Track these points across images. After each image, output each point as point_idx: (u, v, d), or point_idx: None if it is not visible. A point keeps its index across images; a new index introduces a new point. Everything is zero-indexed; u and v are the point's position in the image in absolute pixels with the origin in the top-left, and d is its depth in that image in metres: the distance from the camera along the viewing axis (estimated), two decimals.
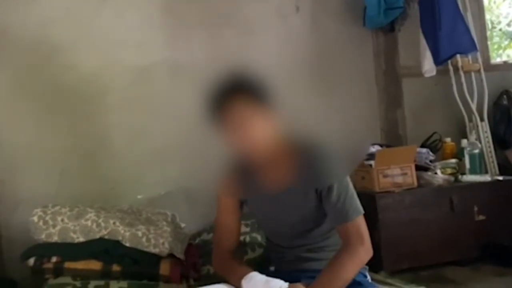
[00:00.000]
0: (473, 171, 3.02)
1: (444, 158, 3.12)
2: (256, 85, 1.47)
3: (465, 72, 3.37)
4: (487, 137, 3.32)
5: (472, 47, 3.19)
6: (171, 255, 2.19)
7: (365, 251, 1.48)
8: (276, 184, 1.55)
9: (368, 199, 2.56)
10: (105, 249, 2.12)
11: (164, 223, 2.28)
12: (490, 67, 3.57)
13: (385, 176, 2.74)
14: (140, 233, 2.16)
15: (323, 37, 3.24)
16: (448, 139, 3.20)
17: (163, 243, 2.16)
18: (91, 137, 2.75)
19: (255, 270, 1.55)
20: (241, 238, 2.25)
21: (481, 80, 3.40)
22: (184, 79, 2.87)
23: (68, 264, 2.09)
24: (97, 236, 2.14)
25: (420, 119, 3.39)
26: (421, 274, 2.66)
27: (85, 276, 2.06)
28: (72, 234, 2.14)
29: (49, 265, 2.09)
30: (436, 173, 2.90)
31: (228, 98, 1.44)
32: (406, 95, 3.40)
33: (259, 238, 2.46)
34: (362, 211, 1.52)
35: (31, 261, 2.10)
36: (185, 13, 2.96)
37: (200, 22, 2.97)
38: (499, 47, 4.73)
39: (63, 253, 2.10)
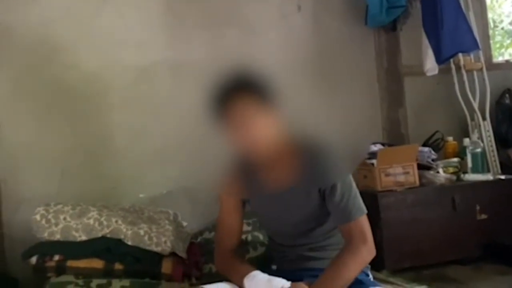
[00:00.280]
0: (475, 170, 3.01)
1: (446, 157, 3.11)
2: (259, 84, 1.48)
3: (467, 71, 3.37)
4: (489, 136, 3.31)
5: (474, 46, 3.18)
6: (173, 254, 2.19)
7: (368, 251, 1.48)
8: (279, 183, 1.55)
9: (370, 198, 2.55)
10: (107, 247, 2.12)
11: (166, 221, 2.28)
12: (492, 66, 3.57)
13: (387, 175, 2.74)
14: (142, 232, 2.16)
15: (324, 36, 3.24)
16: (450, 138, 3.19)
17: (165, 242, 2.16)
18: (92, 137, 2.76)
19: (257, 269, 1.55)
20: (243, 236, 2.25)
21: (483, 79, 3.40)
22: (185, 79, 2.87)
23: (71, 263, 2.09)
24: (99, 235, 2.15)
25: (422, 118, 3.39)
26: (423, 273, 2.66)
27: (87, 274, 2.06)
28: (74, 233, 2.14)
29: (51, 264, 2.09)
30: (438, 172, 2.89)
31: (231, 97, 1.44)
32: (408, 94, 3.40)
33: (260, 237, 2.46)
34: (365, 211, 1.52)
35: (34, 259, 2.11)
36: (186, 13, 2.96)
37: (201, 22, 2.97)
38: (501, 46, 4.74)
39: (65, 251, 2.10)
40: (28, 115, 2.66)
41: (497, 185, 2.96)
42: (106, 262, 2.11)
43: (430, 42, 3.16)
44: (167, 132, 2.83)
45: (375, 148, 2.88)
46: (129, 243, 2.14)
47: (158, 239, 2.17)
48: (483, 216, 2.82)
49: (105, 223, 2.17)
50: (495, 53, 4.09)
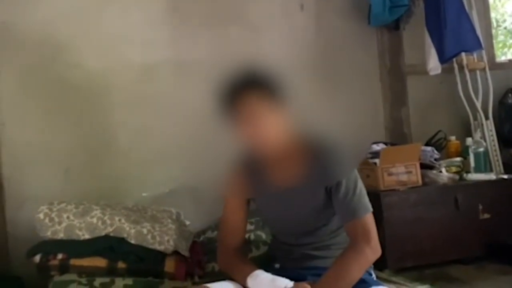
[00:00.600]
0: (478, 170, 3.01)
1: (449, 156, 3.11)
2: (269, 81, 1.49)
3: (470, 71, 3.36)
4: (492, 135, 3.31)
5: (478, 45, 3.18)
6: (176, 253, 2.20)
7: (372, 250, 1.47)
8: (285, 182, 1.56)
9: (373, 197, 2.48)
10: (110, 246, 2.12)
11: (169, 220, 2.29)
12: (495, 66, 3.56)
13: (390, 174, 2.74)
14: (145, 231, 2.17)
15: (327, 35, 3.24)
16: (453, 138, 3.19)
17: (168, 241, 2.17)
18: (96, 135, 2.76)
19: (260, 268, 1.55)
20: (246, 236, 2.25)
21: (486, 79, 3.39)
22: (189, 78, 2.88)
23: (74, 261, 2.09)
24: (103, 233, 2.15)
25: (425, 117, 3.39)
26: (425, 272, 2.66)
27: (90, 273, 2.06)
28: (77, 231, 2.15)
29: (55, 262, 2.09)
30: (440, 172, 2.89)
31: (241, 94, 1.45)
32: (411, 93, 3.39)
33: (263, 236, 2.46)
34: (371, 209, 1.52)
35: (37, 258, 2.11)
36: (190, 12, 2.96)
37: (205, 21, 2.97)
38: (504, 46, 4.73)
39: (68, 250, 2.11)
40: (32, 114, 2.67)
41: (499, 184, 2.96)
42: (109, 260, 2.11)
43: (433, 41, 3.16)
44: (171, 131, 2.83)
45: (377, 147, 2.88)
46: (132, 241, 2.14)
47: (161, 238, 2.17)
48: (486, 216, 2.81)
49: (108, 222, 2.17)
50: (498, 52, 4.08)
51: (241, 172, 1.63)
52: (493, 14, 3.97)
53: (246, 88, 1.46)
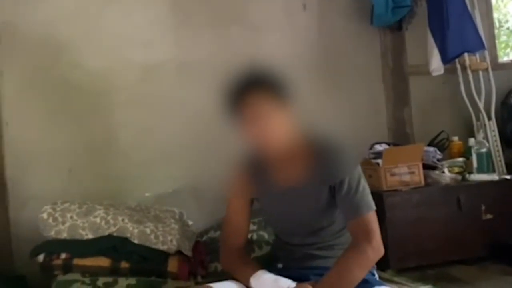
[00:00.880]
0: (480, 170, 3.00)
1: (452, 157, 3.11)
2: (273, 81, 1.49)
3: (472, 71, 3.36)
4: (494, 136, 3.30)
5: (480, 46, 3.18)
6: (179, 252, 2.20)
7: (373, 250, 1.46)
8: (289, 181, 1.56)
9: (376, 198, 2.47)
10: (113, 246, 2.13)
11: (172, 220, 2.29)
12: (497, 66, 3.56)
13: (393, 174, 2.74)
14: (148, 230, 2.17)
15: (330, 35, 3.24)
16: (455, 138, 3.19)
17: (171, 240, 2.18)
18: (98, 135, 2.77)
19: (262, 268, 1.56)
20: (248, 236, 2.25)
21: (489, 79, 3.38)
22: (191, 78, 2.88)
23: (77, 261, 2.10)
24: (106, 233, 2.16)
25: (427, 118, 3.38)
26: (428, 273, 2.66)
27: (94, 272, 2.07)
28: (81, 231, 2.15)
29: (58, 262, 2.10)
30: (443, 172, 2.89)
31: (246, 93, 1.46)
32: (414, 94, 3.39)
33: (266, 236, 2.46)
34: (374, 208, 1.52)
35: (41, 257, 2.12)
36: (192, 12, 2.97)
37: (207, 21, 2.98)
38: (507, 46, 4.73)
39: (72, 249, 2.12)
40: (35, 114, 2.67)
41: (502, 185, 2.95)
42: (113, 260, 2.12)
43: (435, 41, 3.15)
44: (173, 131, 2.84)
45: (380, 147, 2.88)
46: (136, 241, 2.15)
47: (164, 237, 2.18)
48: (489, 216, 2.81)
49: (111, 221, 2.18)
50: (500, 53, 4.08)
51: (245, 172, 1.63)
52: (495, 15, 3.98)
53: (251, 88, 1.46)
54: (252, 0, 3.08)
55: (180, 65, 2.90)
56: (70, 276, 2.05)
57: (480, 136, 3.22)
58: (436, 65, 3.17)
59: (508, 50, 4.72)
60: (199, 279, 2.22)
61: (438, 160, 2.96)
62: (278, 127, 1.46)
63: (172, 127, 2.84)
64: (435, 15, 3.16)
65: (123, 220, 2.19)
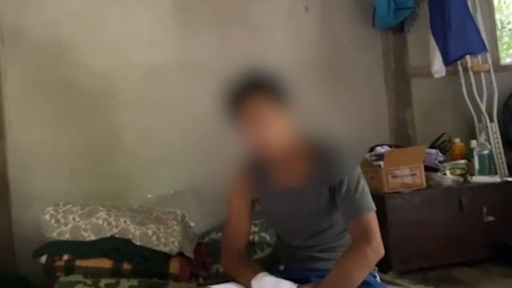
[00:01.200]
0: (482, 172, 3.01)
1: (453, 158, 3.11)
2: (273, 83, 1.50)
3: (474, 73, 3.36)
4: (496, 138, 3.30)
5: (482, 48, 3.18)
6: (180, 254, 2.21)
7: (373, 251, 1.46)
8: (289, 182, 1.56)
9: (377, 200, 2.49)
10: (115, 247, 2.13)
11: (174, 222, 2.29)
12: (499, 68, 3.56)
13: (394, 176, 2.74)
14: (150, 232, 2.18)
15: (332, 37, 3.24)
16: (457, 140, 3.19)
17: (173, 242, 2.18)
18: (101, 136, 2.78)
19: (264, 269, 1.56)
20: (250, 237, 2.25)
21: (491, 81, 3.39)
22: (193, 79, 2.89)
23: (79, 262, 2.10)
24: (108, 235, 2.16)
25: (429, 120, 3.39)
26: (430, 275, 2.66)
27: (96, 274, 2.07)
28: (83, 233, 2.16)
29: (60, 263, 2.11)
30: (445, 174, 2.89)
31: (246, 95, 1.46)
32: (415, 95, 3.40)
33: (267, 237, 2.47)
34: (374, 208, 1.52)
35: (43, 258, 2.12)
36: (195, 13, 2.97)
37: (210, 22, 2.98)
38: (509, 47, 4.71)
39: (74, 251, 2.12)
40: (38, 115, 2.68)
41: (504, 187, 2.95)
42: (115, 262, 2.12)
43: (437, 43, 3.16)
44: (175, 132, 2.85)
45: (382, 149, 2.88)
46: (138, 243, 2.15)
47: (166, 239, 2.18)
48: (490, 218, 2.81)
49: (113, 223, 2.18)
50: (502, 54, 4.07)
51: (246, 173, 1.64)
52: (497, 16, 3.97)
53: (251, 91, 1.47)
54: (254, 1, 3.09)
55: (183, 66, 2.91)
56: (72, 277, 2.06)
57: (482, 138, 3.22)
58: (438, 67, 3.17)
59: (510, 51, 4.70)
60: (201, 280, 2.22)
61: (440, 162, 2.96)
62: (278, 129, 1.47)
63: (174, 128, 2.85)
64: (437, 17, 3.16)
65: (125, 221, 2.20)
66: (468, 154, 3.12)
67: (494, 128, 3.32)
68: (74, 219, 2.18)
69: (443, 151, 3.10)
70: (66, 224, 2.16)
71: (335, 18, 3.26)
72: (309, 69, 3.12)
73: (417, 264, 2.70)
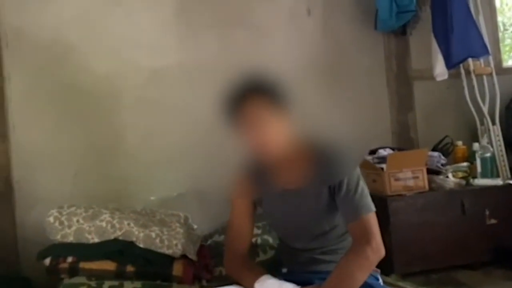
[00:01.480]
0: (484, 175, 3.01)
1: (456, 161, 3.11)
2: (272, 87, 1.51)
3: (476, 76, 3.36)
4: (498, 140, 3.30)
5: (485, 51, 3.17)
6: (184, 256, 2.21)
7: (373, 251, 1.46)
8: (289, 184, 1.58)
9: (380, 202, 2.51)
10: (119, 249, 2.14)
11: (177, 224, 2.30)
12: (502, 71, 3.55)
13: (397, 179, 2.74)
14: (153, 234, 2.18)
15: (334, 40, 3.25)
16: (459, 143, 3.19)
17: (176, 244, 2.18)
18: (104, 138, 2.79)
19: (267, 272, 1.57)
20: (253, 240, 2.25)
21: (493, 84, 3.38)
22: (196, 81, 2.90)
23: (83, 264, 2.11)
24: (112, 237, 2.17)
25: (431, 122, 3.39)
26: (432, 277, 2.66)
27: (99, 276, 2.08)
28: (87, 235, 2.17)
29: (64, 265, 2.11)
30: (447, 177, 2.89)
31: (245, 100, 1.48)
32: (418, 98, 3.39)
33: (270, 240, 2.47)
34: (373, 209, 1.53)
35: (47, 260, 2.13)
36: (197, 16, 2.98)
37: (212, 25, 2.99)
38: (511, 49, 4.71)
39: (78, 253, 2.13)
40: (41, 117, 2.70)
41: (506, 190, 2.95)
42: (118, 264, 2.13)
43: (440, 46, 3.15)
44: (178, 135, 2.85)
45: (384, 152, 2.88)
46: (141, 245, 2.16)
47: (169, 241, 2.18)
48: (493, 221, 2.81)
49: (117, 225, 2.19)
50: (504, 56, 4.07)
51: (247, 175, 1.65)
52: (499, 18, 3.97)
53: (249, 95, 1.48)
54: (257, 4, 3.09)
55: (185, 68, 2.92)
56: (76, 280, 2.07)
57: (484, 140, 3.22)
58: (440, 70, 3.17)
59: None
60: (204, 283, 2.23)
61: (442, 165, 2.96)
62: (277, 132, 1.48)
63: (177, 130, 2.86)
64: (439, 20, 3.16)
65: (128, 224, 2.20)
66: (470, 157, 3.12)
67: (496, 131, 3.32)
68: (78, 221, 2.18)
69: (446, 154, 3.10)
70: (70, 227, 2.17)
71: (337, 20, 3.26)
72: (311, 72, 3.12)
73: (419, 267, 2.70)
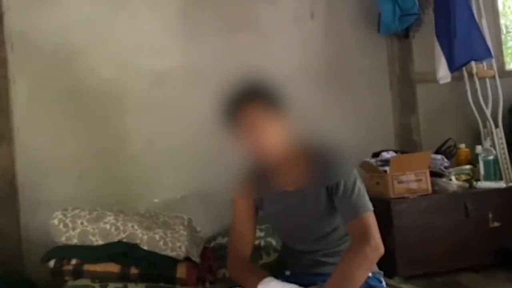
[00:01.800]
0: (487, 178, 3.01)
1: (459, 164, 3.11)
2: (270, 92, 1.53)
3: (479, 78, 3.36)
4: (501, 143, 3.30)
5: (488, 54, 3.18)
6: (187, 259, 2.22)
7: (371, 249, 1.47)
8: (288, 185, 1.60)
9: (383, 205, 2.56)
10: (123, 252, 2.15)
11: (181, 226, 2.31)
12: (505, 73, 3.56)
13: (400, 182, 2.75)
14: (157, 237, 2.19)
15: (337, 43, 3.26)
16: (462, 145, 3.19)
17: (180, 247, 2.19)
18: (108, 141, 2.80)
19: (270, 274, 1.58)
20: (256, 242, 2.26)
21: (496, 86, 3.38)
22: (199, 85, 2.91)
23: (87, 267, 2.11)
24: (116, 239, 2.18)
25: (434, 125, 3.39)
26: (435, 280, 2.66)
27: (103, 278, 2.09)
28: (91, 237, 2.17)
29: (68, 267, 2.12)
30: (450, 179, 2.89)
31: (243, 104, 1.49)
32: (421, 101, 3.40)
33: (273, 242, 2.48)
34: (371, 208, 1.54)
35: (52, 263, 2.14)
36: (201, 20, 3.00)
37: (215, 29, 3.00)
38: None
39: (82, 255, 2.13)
40: (46, 120, 2.71)
41: (509, 192, 2.95)
42: (122, 266, 2.13)
43: (443, 50, 3.16)
44: (182, 138, 2.86)
45: (387, 155, 2.89)
46: (145, 248, 2.17)
47: (173, 244, 2.19)
48: (496, 224, 2.81)
49: (121, 228, 2.20)
50: (507, 58, 4.07)
51: (247, 177, 1.67)
52: (502, 21, 3.97)
53: (247, 100, 1.50)
54: (260, 8, 3.10)
55: (189, 72, 2.93)
56: (80, 282, 2.07)
57: (487, 143, 3.22)
58: (443, 73, 3.17)
59: None
60: (208, 285, 2.24)
61: (445, 167, 2.96)
62: (274, 136, 1.50)
63: (181, 134, 2.87)
64: (442, 23, 3.16)
65: (132, 226, 2.21)
66: (473, 160, 3.12)
67: (499, 134, 3.32)
68: (82, 223, 2.19)
69: (449, 156, 3.10)
70: (74, 229, 2.18)
71: (341, 24, 3.27)
72: (314, 75, 3.13)
73: (422, 269, 2.70)
